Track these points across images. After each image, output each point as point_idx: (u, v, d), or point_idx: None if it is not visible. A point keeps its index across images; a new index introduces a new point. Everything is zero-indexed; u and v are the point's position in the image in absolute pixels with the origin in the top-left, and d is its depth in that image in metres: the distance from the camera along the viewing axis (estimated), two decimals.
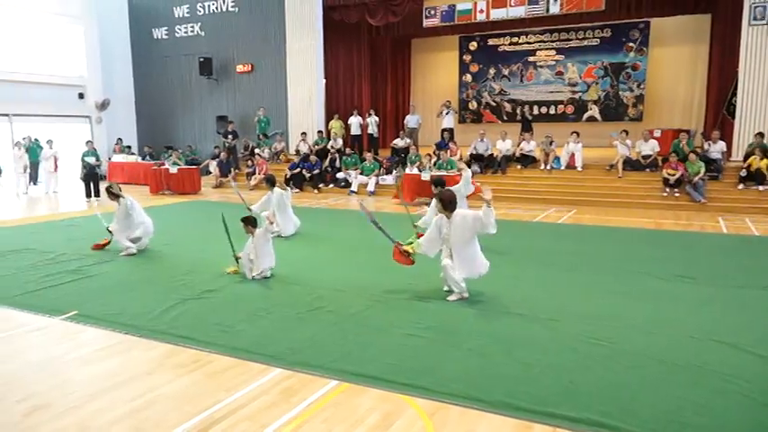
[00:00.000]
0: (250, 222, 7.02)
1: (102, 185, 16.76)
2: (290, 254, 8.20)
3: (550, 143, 15.31)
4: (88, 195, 15.31)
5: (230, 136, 19.23)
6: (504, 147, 15.78)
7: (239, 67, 20.73)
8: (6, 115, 19.58)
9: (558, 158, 15.25)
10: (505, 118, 21.60)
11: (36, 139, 18.78)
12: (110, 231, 8.59)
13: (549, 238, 9.59)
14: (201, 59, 20.91)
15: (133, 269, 7.57)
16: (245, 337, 5.03)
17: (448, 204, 6.02)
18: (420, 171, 14.38)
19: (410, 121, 18.34)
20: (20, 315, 5.75)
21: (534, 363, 4.49)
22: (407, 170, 15.19)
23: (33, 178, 18.49)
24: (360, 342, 4.92)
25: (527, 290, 6.49)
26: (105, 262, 7.88)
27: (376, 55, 22.51)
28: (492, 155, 15.87)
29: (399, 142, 17.72)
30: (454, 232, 5.95)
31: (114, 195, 8.40)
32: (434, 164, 14.62)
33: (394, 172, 13.88)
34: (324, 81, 19.73)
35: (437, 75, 23.37)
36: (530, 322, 5.39)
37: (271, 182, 9.78)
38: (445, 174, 13.54)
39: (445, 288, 6.22)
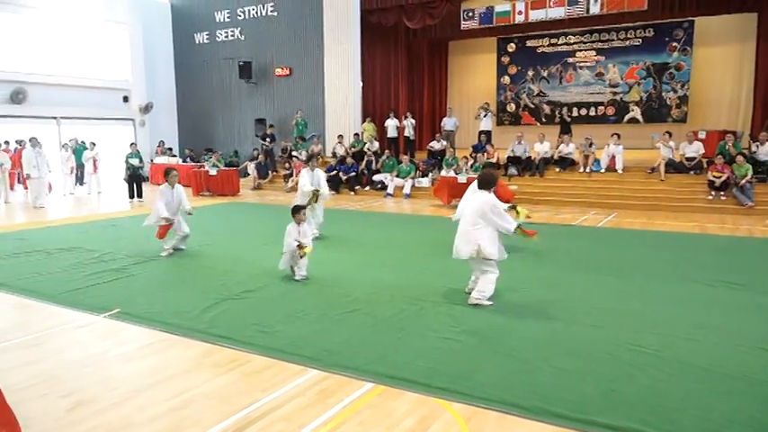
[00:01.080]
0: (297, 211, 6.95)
1: (145, 187, 17.25)
2: (326, 256, 8.24)
3: (590, 145, 15.03)
4: (131, 196, 15.72)
5: (268, 139, 19.47)
6: (542, 149, 15.57)
7: (278, 71, 21.01)
8: (55, 118, 20.29)
9: (597, 161, 14.95)
10: (544, 120, 21.30)
11: (82, 141, 19.39)
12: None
13: (589, 242, 9.40)
14: (241, 63, 21.28)
15: (174, 269, 7.73)
16: (282, 338, 5.07)
17: (482, 183, 5.96)
18: (457, 174, 14.28)
19: (447, 123, 18.25)
20: (65, 312, 5.93)
21: (574, 369, 4.39)
22: (444, 173, 15.11)
23: (80, 179, 19.11)
24: (395, 345, 4.90)
25: (566, 294, 6.36)
26: (147, 262, 8.07)
27: (413, 57, 22.49)
28: (530, 157, 15.68)
29: (436, 145, 17.65)
30: (468, 205, 6.00)
31: None
32: (471, 166, 14.51)
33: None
34: (361, 84, 19.81)
35: (474, 77, 23.21)
36: (569, 327, 5.27)
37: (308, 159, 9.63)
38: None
39: (466, 290, 6.24)
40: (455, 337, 5.03)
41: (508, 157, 15.80)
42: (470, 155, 15.72)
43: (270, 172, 19.13)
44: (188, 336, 5.18)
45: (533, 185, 14.98)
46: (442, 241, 9.64)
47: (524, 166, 15.59)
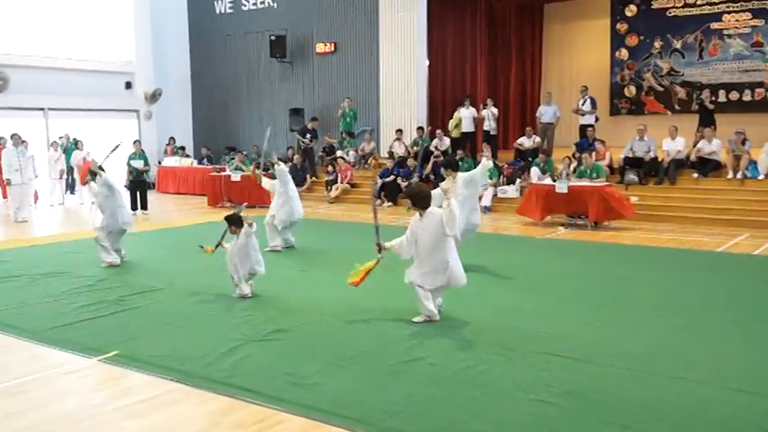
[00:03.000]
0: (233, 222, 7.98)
1: (152, 196, 17.89)
2: (381, 284, 8.30)
3: (743, 142, 14.60)
4: (134, 208, 16.29)
5: (309, 135, 19.79)
6: (673, 147, 15.25)
7: (319, 47, 21.45)
8: (41, 109, 21.35)
9: (754, 164, 14.51)
10: (677, 107, 20.88)
11: (74, 139, 20.29)
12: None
13: (741, 277, 9.10)
14: (273, 37, 21.84)
15: (185, 301, 7.94)
16: (322, 393, 5.13)
17: (417, 200, 6.87)
18: (555, 181, 14.13)
19: (544, 113, 18.07)
20: (52, 353, 6.19)
21: None
22: (537, 179, 14.98)
23: (71, 186, 19.97)
24: (472, 407, 4.87)
25: (706, 347, 6.18)
26: (152, 291, 8.34)
27: (496, 27, 22.52)
28: (656, 158, 15.38)
29: (526, 141, 17.54)
30: (422, 234, 6.77)
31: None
32: (574, 171, 14.33)
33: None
34: (427, 63, 19.97)
35: (580, 51, 23.00)
36: (714, 393, 5.11)
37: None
38: (589, 184, 13.26)
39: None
40: (553, 400, 4.96)
41: (625, 159, 15.53)
42: (573, 155, 15.54)
43: (308, 177, 19.46)
44: (203, 387, 5.31)
45: (660, 196, 14.66)
46: (534, 269, 9.62)
47: (648, 170, 15.29)
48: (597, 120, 17.55)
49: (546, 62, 23.69)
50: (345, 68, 21.07)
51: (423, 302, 6.87)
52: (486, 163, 9.31)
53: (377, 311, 7.31)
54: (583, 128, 17.26)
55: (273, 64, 22.51)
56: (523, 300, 7.86)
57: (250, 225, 7.93)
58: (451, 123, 18.67)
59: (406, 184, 17.08)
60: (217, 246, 8.23)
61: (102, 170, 10.10)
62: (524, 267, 9.68)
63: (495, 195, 15.92)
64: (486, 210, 15.56)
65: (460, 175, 9.11)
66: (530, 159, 16.64)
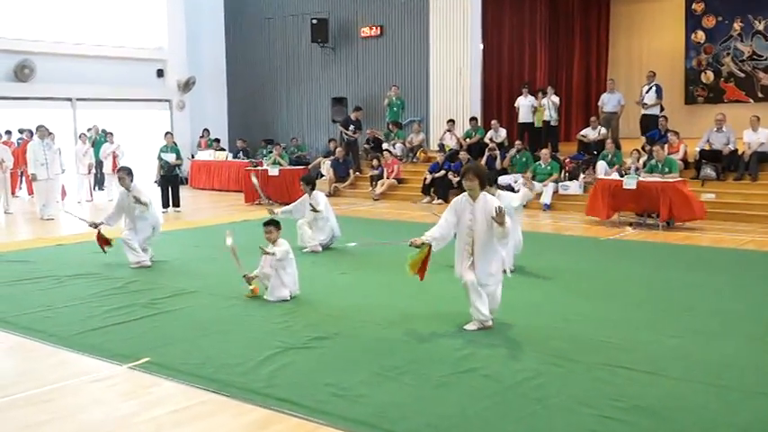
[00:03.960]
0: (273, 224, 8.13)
1: (184, 192, 18.15)
2: (430, 289, 8.29)
3: None
4: (165, 205, 16.57)
5: (352, 126, 19.85)
6: (755, 139, 14.99)
7: (364, 31, 21.53)
8: (69, 99, 21.85)
9: None
10: (760, 95, 20.54)
11: (103, 131, 20.72)
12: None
13: None
14: (314, 21, 21.97)
15: (220, 305, 8.05)
16: (367, 406, 5.15)
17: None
18: (622, 176, 13.94)
19: (607, 101, 17.88)
20: (80, 360, 6.33)
21: None
22: (603, 173, 14.81)
23: (100, 181, 20.39)
24: (530, 424, 4.84)
25: None
26: (185, 294, 8.47)
27: (558, 8, 22.32)
28: (735, 151, 15.11)
29: (591, 133, 17.35)
30: (479, 221, 6.57)
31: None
32: (644, 165, 14.13)
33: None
34: (481, 47, 19.87)
35: (650, 34, 22.63)
36: None
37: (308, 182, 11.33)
38: (660, 179, 13.05)
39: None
40: (619, 417, 4.90)
41: (701, 152, 15.26)
42: (643, 147, 15.31)
43: (352, 172, 19.53)
44: (239, 397, 5.37)
45: (740, 193, 14.38)
46: (598, 272, 9.51)
47: (727, 164, 15.01)
48: (662, 110, 17.26)
49: (613, 46, 23.36)
50: (392, 54, 21.10)
51: (477, 306, 6.80)
52: (526, 193, 9.29)
53: (426, 318, 7.31)
54: (645, 118, 17.02)
55: (315, 50, 22.65)
56: (586, 306, 7.78)
57: (274, 254, 7.99)
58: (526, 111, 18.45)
59: (458, 178, 17.05)
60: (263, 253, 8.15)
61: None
62: (587, 271, 9.60)
63: (555, 192, 15.77)
64: (545, 207, 15.47)
65: (501, 194, 8.71)
66: (594, 152, 16.44)
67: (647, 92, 17.19)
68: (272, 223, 8.25)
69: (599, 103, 18.26)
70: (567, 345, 6.40)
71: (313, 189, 11.31)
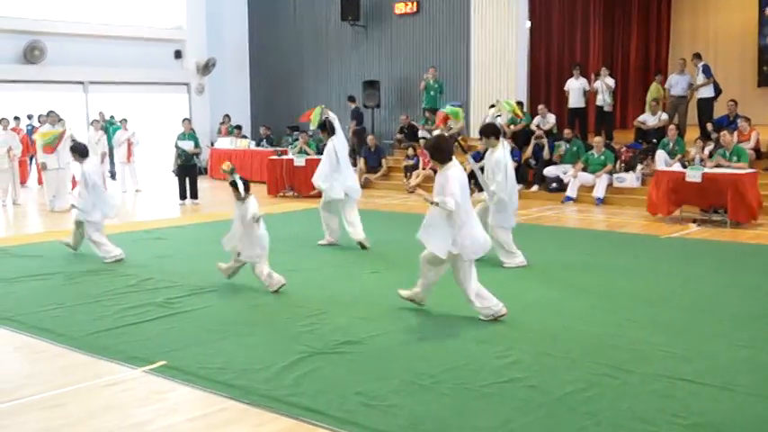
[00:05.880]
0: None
1: (203, 182, 18.30)
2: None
3: None
4: (182, 196, 16.72)
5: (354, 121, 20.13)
6: None
7: (399, 8, 21.49)
8: (81, 83, 22.13)
9: None
10: None
11: (111, 117, 20.93)
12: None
13: None
14: None
15: (240, 305, 8.12)
16: (399, 417, 5.14)
17: (433, 152, 7.39)
18: (685, 167, 13.77)
19: (675, 84, 17.54)
20: (92, 362, 6.41)
21: None
22: (664, 164, 14.63)
23: (113, 171, 20.63)
24: None
25: None
26: (204, 293, 8.54)
27: None
28: None
29: (650, 119, 17.15)
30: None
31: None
32: (710, 155, 13.94)
33: None
34: (528, 24, 19.73)
35: (718, 10, 22.29)
36: None
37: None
38: (726, 171, 12.88)
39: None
40: None
41: None
42: (709, 135, 15.10)
43: (383, 160, 19.57)
44: (261, 405, 5.40)
45: None
46: (656, 274, 9.39)
47: None
48: (718, 93, 16.95)
49: (675, 24, 23.05)
50: (430, 33, 21.04)
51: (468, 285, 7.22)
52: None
53: (465, 322, 7.29)
54: (702, 103, 16.79)
55: (345, 28, 22.66)
56: (643, 311, 7.68)
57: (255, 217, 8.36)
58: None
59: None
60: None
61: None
62: (645, 272, 9.48)
63: (610, 185, 15.62)
64: (598, 202, 15.34)
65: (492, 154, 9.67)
66: (653, 141, 16.26)
67: (697, 75, 16.97)
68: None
69: (666, 86, 18.00)
70: (622, 354, 6.33)
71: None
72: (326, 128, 11.30)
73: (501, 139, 9.80)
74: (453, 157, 7.23)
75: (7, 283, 9.11)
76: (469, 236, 7.12)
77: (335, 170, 11.03)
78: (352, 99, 21.36)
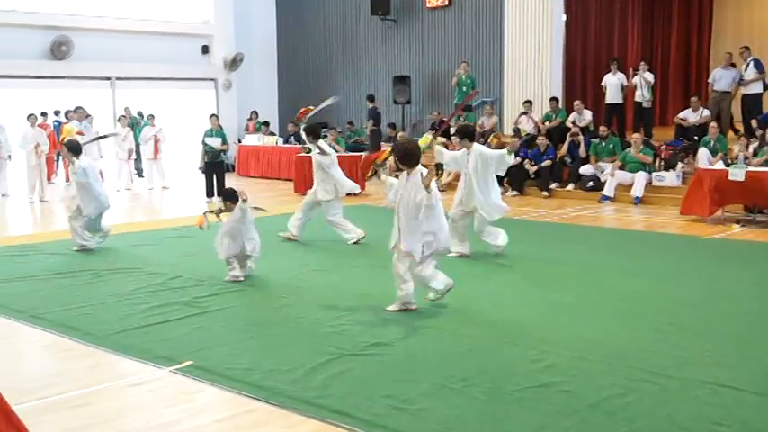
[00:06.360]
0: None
1: (230, 180, 18.39)
2: (499, 293, 8.24)
3: None
4: (209, 194, 16.82)
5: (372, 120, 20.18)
6: None
7: (430, 1, 21.47)
8: (108, 79, 22.34)
9: None
10: None
11: (138, 113, 21.08)
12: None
13: None
14: None
15: (268, 304, 8.17)
16: (430, 421, 5.14)
17: (403, 158, 7.62)
18: (728, 165, 13.62)
19: (719, 78, 17.26)
20: (119, 361, 6.48)
21: None
22: (706, 162, 14.48)
23: (140, 168, 20.81)
24: None
25: None
26: (231, 291, 8.60)
27: None
28: None
29: (691, 116, 16.99)
30: (405, 195, 7.47)
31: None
32: (754, 153, 13.79)
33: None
34: (564, 18, 19.62)
35: (763, 1, 21.96)
36: None
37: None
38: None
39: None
40: None
41: None
42: (753, 132, 14.93)
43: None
44: (288, 407, 5.42)
45: None
46: (696, 277, 9.29)
47: None
48: (766, 88, 16.76)
49: (717, 16, 22.76)
50: (462, 27, 21.00)
51: (400, 281, 7.57)
52: (505, 157, 9.98)
53: (498, 323, 7.27)
54: (747, 99, 16.59)
55: (375, 23, 22.68)
56: (683, 315, 7.60)
57: (244, 201, 8.86)
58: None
59: (535, 167, 16.88)
60: (210, 214, 9.28)
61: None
62: (685, 274, 9.40)
63: (648, 184, 15.49)
64: (636, 201, 15.22)
65: (477, 147, 10.17)
66: (694, 138, 16.10)
67: (745, 69, 16.74)
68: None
69: (709, 80, 17.79)
70: (662, 359, 6.27)
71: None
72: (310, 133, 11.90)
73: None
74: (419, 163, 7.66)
75: (35, 281, 9.23)
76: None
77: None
78: (371, 98, 21.46)
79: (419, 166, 7.56)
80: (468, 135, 10.30)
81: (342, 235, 11.33)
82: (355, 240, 11.18)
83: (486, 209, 9.98)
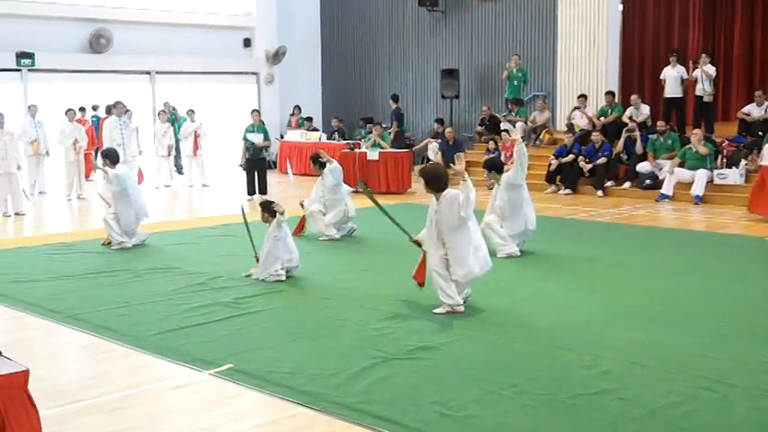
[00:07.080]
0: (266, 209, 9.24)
1: (272, 177, 18.51)
2: (550, 295, 8.18)
3: None
4: (251, 192, 16.92)
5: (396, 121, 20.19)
6: None
7: None
8: (148, 73, 22.59)
9: None
10: None
11: (174, 108, 21.24)
12: None
13: None
14: None
15: (311, 306, 8.21)
16: (479, 428, 5.12)
17: (431, 181, 7.75)
18: None
19: None
20: (157, 363, 6.54)
21: None
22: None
23: (179, 165, 21.00)
24: None
25: None
26: (272, 293, 8.65)
27: None
28: None
29: (755, 111, 16.73)
30: (441, 217, 7.58)
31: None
32: None
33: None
34: (620, 9, 19.42)
35: None
36: None
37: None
38: None
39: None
40: None
41: None
42: None
43: (462, 154, 19.46)
44: (331, 412, 5.43)
45: None
46: (759, 279, 9.14)
47: None
48: None
49: None
50: (513, 18, 20.90)
51: (444, 291, 7.61)
52: (520, 148, 10.17)
53: (550, 328, 7.22)
54: None
55: (422, 15, 22.67)
56: (747, 320, 7.49)
57: (281, 213, 9.10)
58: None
59: (589, 165, 16.73)
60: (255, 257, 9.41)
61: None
62: (747, 277, 9.25)
63: (710, 181, 15.28)
64: (697, 200, 15.03)
65: (504, 177, 10.44)
66: (759, 134, 15.84)
67: None
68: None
69: None
70: (723, 366, 6.19)
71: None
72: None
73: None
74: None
75: (73, 281, 9.36)
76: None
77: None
78: (395, 98, 21.46)
79: (449, 189, 7.71)
80: (495, 167, 10.67)
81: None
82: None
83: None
